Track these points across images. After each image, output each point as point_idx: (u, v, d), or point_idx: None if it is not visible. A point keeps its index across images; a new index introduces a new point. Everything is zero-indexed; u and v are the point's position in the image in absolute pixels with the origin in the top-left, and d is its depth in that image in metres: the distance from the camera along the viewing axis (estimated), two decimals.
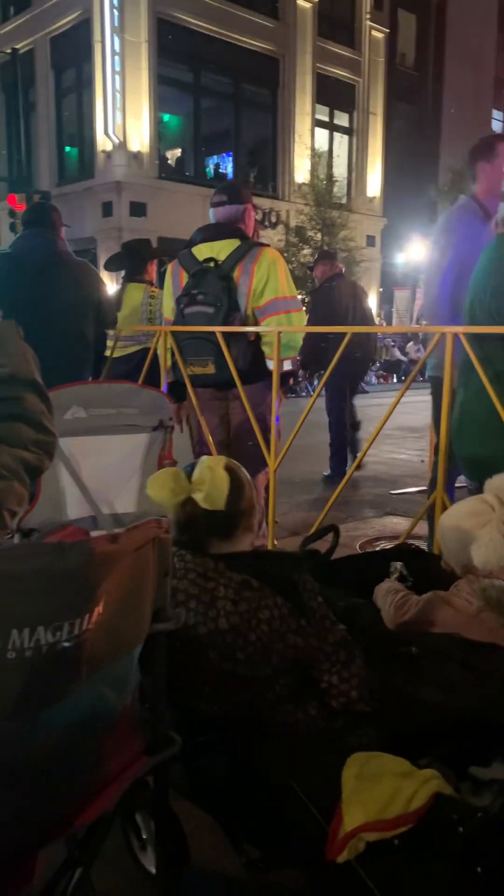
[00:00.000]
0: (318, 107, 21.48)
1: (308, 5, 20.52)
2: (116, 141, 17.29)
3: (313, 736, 1.46)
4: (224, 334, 3.22)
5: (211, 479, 1.55)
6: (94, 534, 2.49)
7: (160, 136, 18.65)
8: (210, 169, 20.39)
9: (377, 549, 4.16)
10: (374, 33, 22.66)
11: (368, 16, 22.31)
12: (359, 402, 6.84)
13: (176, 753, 1.29)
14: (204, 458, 1.66)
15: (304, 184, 20.41)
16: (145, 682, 1.25)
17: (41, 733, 0.99)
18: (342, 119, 22.76)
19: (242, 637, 1.46)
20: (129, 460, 2.78)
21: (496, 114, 28.49)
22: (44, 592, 0.91)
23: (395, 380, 20.60)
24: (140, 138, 17.60)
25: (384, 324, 23.39)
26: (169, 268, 3.63)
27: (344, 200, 21.12)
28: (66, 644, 0.93)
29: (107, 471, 2.73)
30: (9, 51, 14.60)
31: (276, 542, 4.19)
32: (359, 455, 2.82)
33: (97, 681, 1.05)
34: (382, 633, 1.83)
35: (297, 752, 1.44)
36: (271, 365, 3.34)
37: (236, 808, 1.51)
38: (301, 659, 1.50)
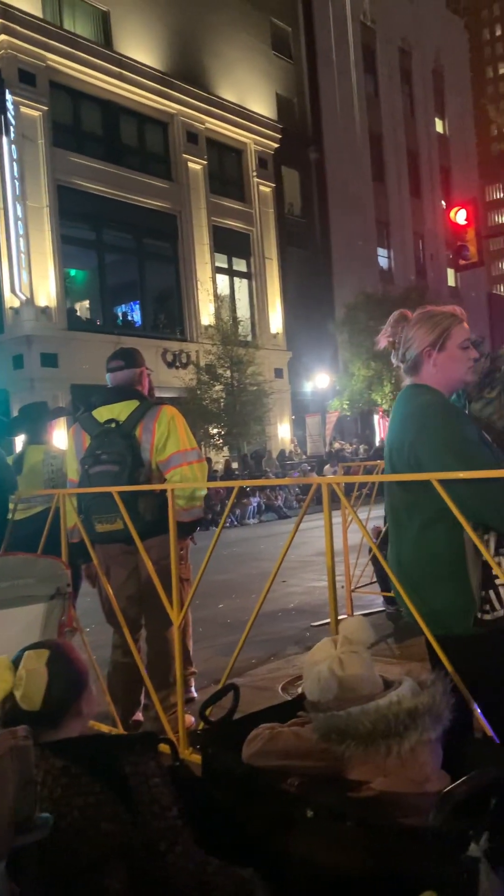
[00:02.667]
0: (217, 255, 22.96)
1: (199, 167, 22.34)
2: (23, 298, 17.87)
3: None
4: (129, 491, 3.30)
5: (26, 678, 1.55)
6: None
7: (67, 291, 19.40)
8: (119, 318, 21.21)
9: (299, 689, 4.11)
10: (262, 188, 24.71)
11: (255, 173, 24.43)
12: (281, 528, 6.67)
13: None
14: (27, 652, 1.66)
15: (210, 325, 21.39)
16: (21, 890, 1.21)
17: None
18: (240, 265, 24.34)
19: (55, 825, 1.42)
20: (27, 632, 2.74)
21: (381, 251, 30.98)
22: None
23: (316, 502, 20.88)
24: (47, 294, 18.25)
25: (297, 448, 24.09)
26: (70, 431, 3.74)
27: (249, 338, 22.18)
28: None
29: (6, 644, 2.67)
30: None
31: (195, 694, 4.09)
32: (262, 592, 2.87)
33: None
34: (280, 796, 1.82)
35: None
36: (181, 515, 3.42)
37: None
38: (125, 846, 1.46)
